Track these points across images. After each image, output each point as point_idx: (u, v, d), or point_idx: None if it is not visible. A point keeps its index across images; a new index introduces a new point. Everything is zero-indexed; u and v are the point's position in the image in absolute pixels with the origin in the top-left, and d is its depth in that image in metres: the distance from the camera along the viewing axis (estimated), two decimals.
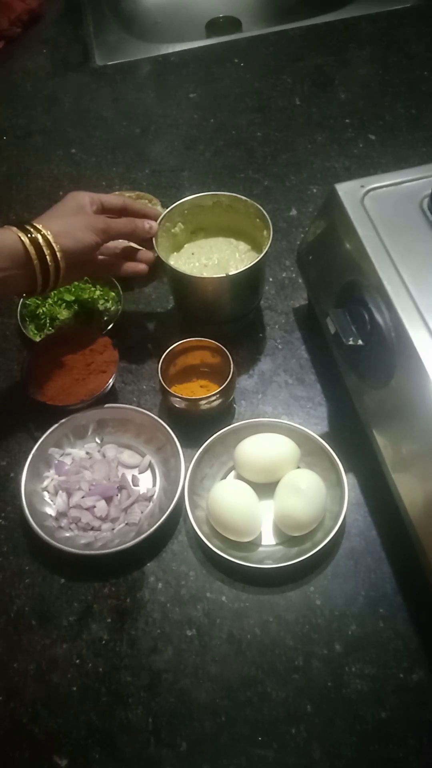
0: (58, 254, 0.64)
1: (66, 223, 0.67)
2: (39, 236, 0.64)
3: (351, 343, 0.60)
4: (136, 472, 0.69)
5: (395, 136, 0.98)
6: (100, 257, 0.73)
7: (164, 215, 0.74)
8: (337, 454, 0.65)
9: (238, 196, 0.75)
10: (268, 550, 0.64)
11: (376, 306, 0.58)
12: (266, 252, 0.70)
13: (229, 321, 0.77)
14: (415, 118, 1.00)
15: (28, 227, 0.64)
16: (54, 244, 0.64)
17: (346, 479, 0.64)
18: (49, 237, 0.64)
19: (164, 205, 0.83)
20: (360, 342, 0.60)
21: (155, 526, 0.62)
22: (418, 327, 0.55)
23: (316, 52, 1.11)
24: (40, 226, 0.65)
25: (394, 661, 0.58)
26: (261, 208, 0.73)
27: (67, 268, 0.66)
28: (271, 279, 0.84)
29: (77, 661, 0.60)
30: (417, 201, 0.63)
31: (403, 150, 0.96)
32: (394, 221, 0.62)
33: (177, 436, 0.67)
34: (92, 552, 0.63)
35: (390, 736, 0.55)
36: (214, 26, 1.30)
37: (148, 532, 0.62)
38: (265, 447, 0.66)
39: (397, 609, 0.60)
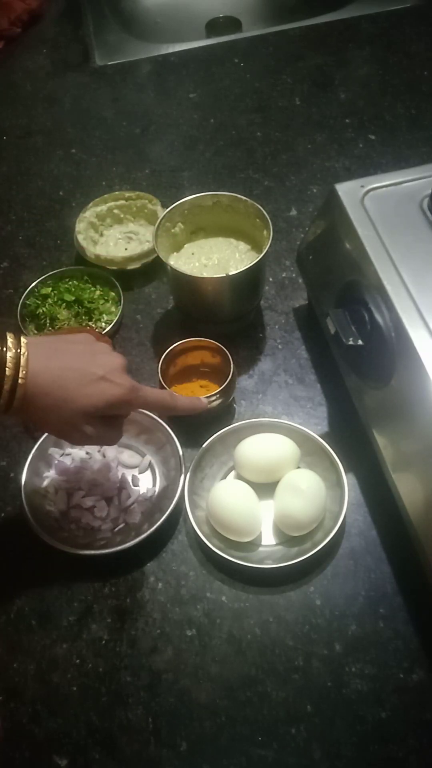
0: (20, 380, 0.49)
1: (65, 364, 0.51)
2: (8, 352, 0.49)
3: (351, 343, 0.60)
4: (136, 472, 0.69)
5: (395, 136, 0.98)
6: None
7: (164, 215, 0.74)
8: (337, 454, 0.65)
9: (238, 196, 0.75)
10: (268, 550, 0.64)
11: (376, 306, 0.58)
12: (266, 252, 0.70)
13: (229, 321, 0.77)
14: (415, 118, 1.00)
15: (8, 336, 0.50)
16: (21, 369, 0.49)
17: (346, 479, 0.64)
18: (22, 359, 0.49)
19: (164, 205, 0.83)
20: (360, 342, 0.60)
21: (155, 526, 0.62)
22: (418, 327, 0.55)
23: (316, 52, 1.11)
24: (23, 342, 0.50)
25: (394, 661, 0.58)
26: (261, 208, 0.73)
27: (36, 410, 0.51)
28: (271, 279, 0.84)
29: (77, 661, 0.60)
30: (417, 201, 0.63)
31: (403, 150, 0.96)
32: (394, 221, 0.62)
33: (177, 436, 0.67)
34: (92, 552, 0.63)
35: (390, 736, 0.55)
36: (214, 26, 1.30)
37: (148, 532, 0.62)
38: (265, 447, 0.66)
39: (397, 609, 0.60)
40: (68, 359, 0.52)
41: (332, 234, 0.66)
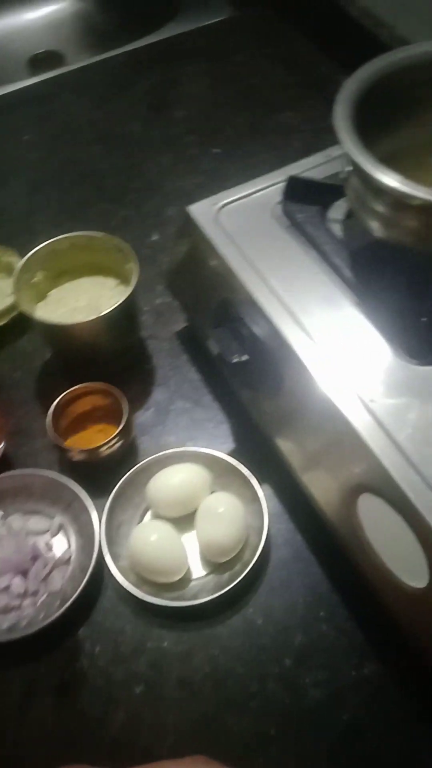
0: None
1: None
2: None
3: (236, 360, 0.60)
4: (47, 536, 0.65)
5: (239, 147, 1.00)
6: None
7: (20, 266, 0.71)
8: (248, 469, 0.65)
9: (92, 233, 0.73)
10: (201, 582, 0.62)
11: (252, 319, 0.59)
12: (135, 284, 0.69)
13: (113, 359, 0.75)
14: (253, 126, 1.03)
15: None
16: None
17: (262, 491, 0.64)
18: None
19: (21, 255, 0.80)
20: (245, 357, 0.60)
21: (79, 589, 0.59)
22: (295, 330, 0.56)
23: (146, 74, 1.12)
24: None
25: (343, 660, 0.58)
26: (120, 241, 0.72)
27: None
28: (146, 308, 0.82)
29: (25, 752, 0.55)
30: (269, 209, 0.65)
31: (249, 159, 0.97)
32: (251, 233, 0.63)
33: (84, 489, 0.65)
34: (18, 636, 0.58)
35: (358, 734, 0.55)
36: (36, 63, 1.27)
37: (74, 597, 0.59)
38: (175, 479, 0.65)
39: (336, 607, 0.60)
40: None
41: (195, 255, 0.66)
